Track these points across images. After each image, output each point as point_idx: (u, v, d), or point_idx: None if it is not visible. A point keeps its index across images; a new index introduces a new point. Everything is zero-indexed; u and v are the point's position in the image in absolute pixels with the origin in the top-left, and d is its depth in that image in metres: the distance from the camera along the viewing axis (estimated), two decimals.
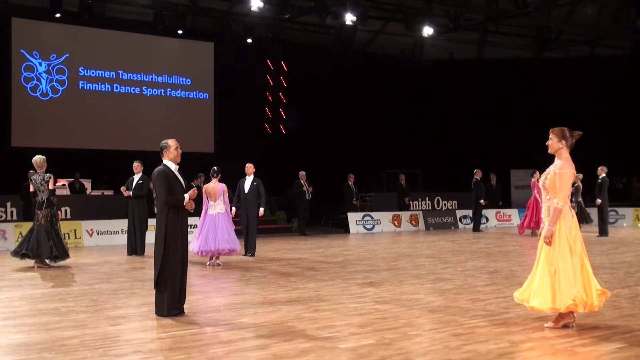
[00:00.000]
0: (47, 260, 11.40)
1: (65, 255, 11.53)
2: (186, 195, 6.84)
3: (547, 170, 6.26)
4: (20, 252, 11.35)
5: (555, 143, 6.19)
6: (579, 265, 6.05)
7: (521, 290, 6.38)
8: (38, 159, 11.41)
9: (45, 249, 11.23)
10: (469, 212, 22.65)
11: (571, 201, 18.90)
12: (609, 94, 24.70)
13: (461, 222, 22.81)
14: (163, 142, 7.10)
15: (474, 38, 26.64)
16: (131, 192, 13.60)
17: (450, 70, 26.40)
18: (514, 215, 23.36)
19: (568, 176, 6.06)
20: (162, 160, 7.06)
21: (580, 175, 19.08)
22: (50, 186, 11.31)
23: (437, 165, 25.94)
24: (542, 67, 26.45)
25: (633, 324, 6.28)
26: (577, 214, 20.08)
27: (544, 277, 6.08)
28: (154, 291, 6.97)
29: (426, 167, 26.11)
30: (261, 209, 13.16)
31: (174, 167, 7.01)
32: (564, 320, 6.10)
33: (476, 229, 20.45)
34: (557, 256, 6.03)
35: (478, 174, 20.06)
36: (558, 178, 6.05)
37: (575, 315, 6.12)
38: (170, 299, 6.79)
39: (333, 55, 24.98)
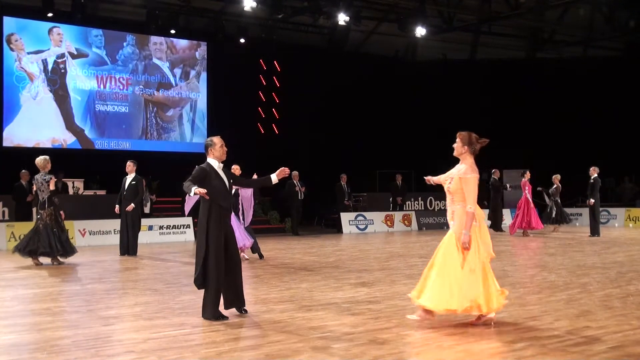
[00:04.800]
0: (59, 258, 11.67)
1: (72, 250, 11.87)
2: (194, 187, 6.46)
3: (450, 173, 6.37)
4: (27, 250, 11.52)
5: (459, 147, 6.34)
6: (480, 267, 6.11)
7: (416, 290, 6.41)
8: (40, 160, 11.66)
9: (53, 247, 11.50)
10: None
11: (549, 200, 19.03)
12: (602, 95, 24.78)
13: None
14: (208, 139, 6.96)
15: (467, 39, 26.68)
16: (132, 204, 13.42)
17: (444, 71, 26.44)
18: (506, 215, 23.41)
19: (472, 180, 6.16)
20: (205, 159, 6.88)
21: (558, 176, 19.22)
22: (51, 187, 11.56)
23: (430, 165, 25.91)
24: (535, 68, 26.52)
25: (624, 324, 6.31)
26: (556, 214, 20.14)
27: (442, 277, 6.13)
28: (146, 292, 6.94)
29: (419, 167, 26.12)
30: None
31: (217, 164, 6.83)
32: (483, 319, 6.22)
33: (498, 229, 19.77)
34: (459, 258, 6.09)
35: (496, 174, 19.83)
36: (463, 183, 6.17)
37: (494, 315, 6.23)
38: (211, 302, 6.59)
39: (326, 56, 24.96)
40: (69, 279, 10.13)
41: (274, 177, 7.15)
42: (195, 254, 6.85)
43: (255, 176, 12.34)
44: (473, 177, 6.16)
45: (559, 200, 19.28)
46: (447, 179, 6.35)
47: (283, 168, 7.09)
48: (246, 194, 12.16)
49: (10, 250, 13.01)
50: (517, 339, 5.72)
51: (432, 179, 6.72)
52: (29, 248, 11.48)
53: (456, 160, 6.44)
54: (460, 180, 6.18)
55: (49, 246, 11.45)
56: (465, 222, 6.09)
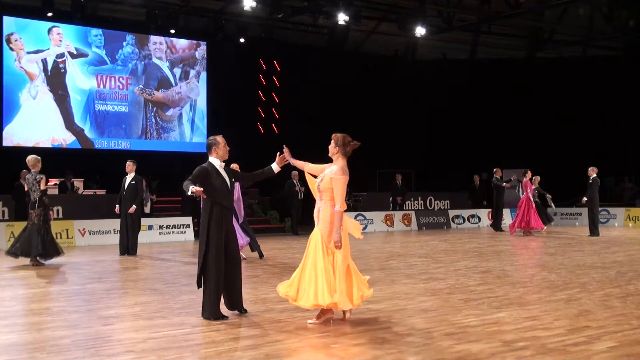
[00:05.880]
0: (38, 258, 11.49)
1: (56, 252, 11.68)
2: (191, 186, 6.40)
3: (324, 172, 6.51)
4: (12, 251, 11.56)
5: (332, 148, 6.58)
6: (343, 266, 6.27)
7: (286, 285, 6.53)
8: (31, 158, 11.60)
9: (34, 247, 11.37)
10: (462, 212, 22.79)
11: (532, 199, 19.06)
12: (601, 95, 24.77)
13: (453, 221, 22.85)
14: (211, 138, 6.92)
15: (467, 38, 26.66)
16: (134, 205, 13.41)
17: (443, 71, 26.42)
18: (506, 215, 23.41)
19: (342, 181, 6.34)
20: (207, 158, 6.84)
21: (538, 178, 19.25)
22: (42, 186, 11.46)
23: (430, 165, 25.97)
24: (535, 68, 26.52)
25: (624, 323, 6.31)
26: (539, 214, 19.98)
27: (311, 275, 6.30)
28: (145, 291, 6.94)
29: (419, 167, 26.13)
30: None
31: (218, 163, 6.80)
32: (324, 316, 6.38)
33: (498, 228, 20.14)
34: (327, 255, 6.29)
35: (498, 173, 19.94)
36: (333, 183, 6.35)
37: (334, 312, 6.42)
38: (210, 301, 6.56)
39: (326, 55, 24.94)
40: (69, 279, 10.13)
41: (275, 167, 7.15)
42: (197, 254, 6.85)
43: None
44: (342, 179, 6.35)
45: (539, 201, 19.20)
46: (319, 176, 6.53)
47: (281, 155, 7.05)
48: (235, 195, 12.05)
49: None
50: (517, 339, 5.72)
51: (288, 154, 6.97)
52: (17, 249, 11.44)
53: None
54: (331, 180, 6.36)
55: (37, 247, 11.35)
56: (335, 221, 6.27)
